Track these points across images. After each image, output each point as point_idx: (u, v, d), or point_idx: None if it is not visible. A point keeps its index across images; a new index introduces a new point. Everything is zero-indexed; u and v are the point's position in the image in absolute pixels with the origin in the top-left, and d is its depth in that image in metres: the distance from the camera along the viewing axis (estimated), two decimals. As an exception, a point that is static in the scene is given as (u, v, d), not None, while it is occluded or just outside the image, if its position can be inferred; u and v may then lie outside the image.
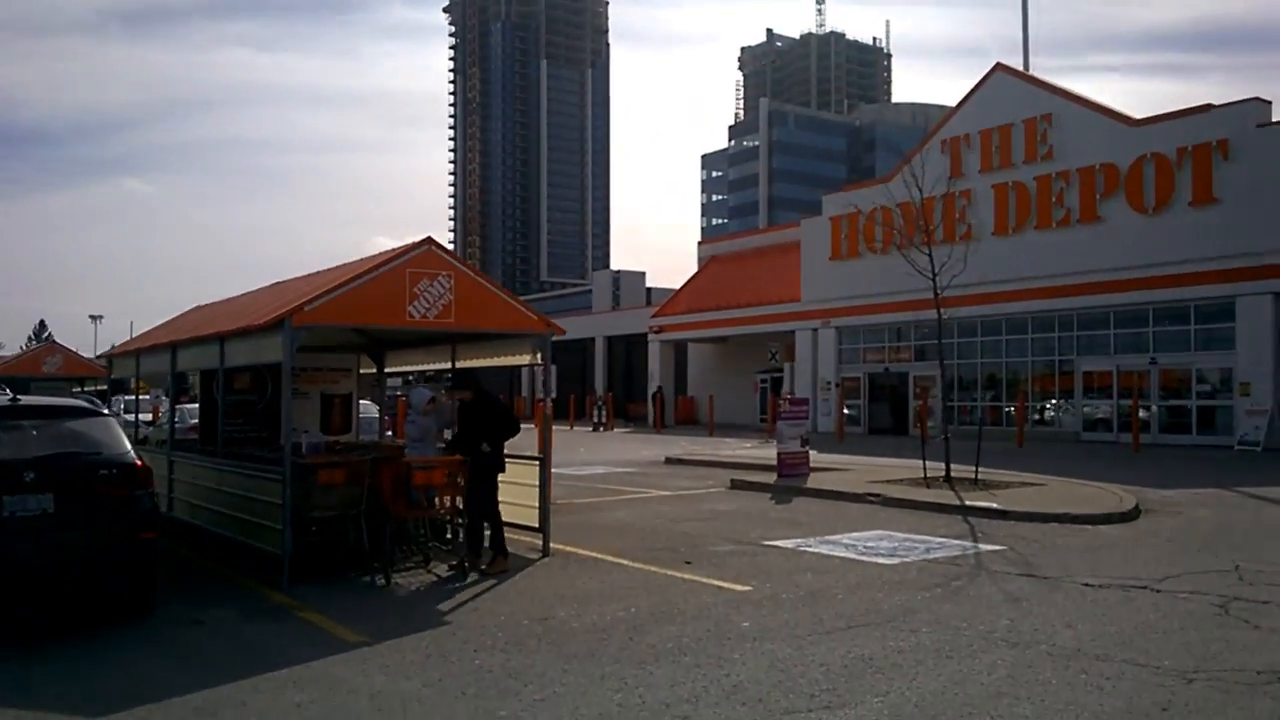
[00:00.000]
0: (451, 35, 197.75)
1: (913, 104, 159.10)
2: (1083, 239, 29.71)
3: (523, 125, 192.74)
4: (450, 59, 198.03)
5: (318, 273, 11.20)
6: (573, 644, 6.68)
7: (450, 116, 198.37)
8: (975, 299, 29.02)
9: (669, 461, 22.84)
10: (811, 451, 18.43)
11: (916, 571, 9.16)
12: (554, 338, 10.30)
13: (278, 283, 12.83)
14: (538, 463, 10.33)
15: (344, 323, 9.28)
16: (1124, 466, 20.32)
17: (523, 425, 10.31)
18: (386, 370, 13.54)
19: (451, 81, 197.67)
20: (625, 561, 9.78)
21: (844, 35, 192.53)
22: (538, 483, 10.31)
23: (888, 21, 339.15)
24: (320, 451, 9.91)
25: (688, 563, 9.69)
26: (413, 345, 12.90)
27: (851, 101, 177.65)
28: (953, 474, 15.87)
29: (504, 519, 10.72)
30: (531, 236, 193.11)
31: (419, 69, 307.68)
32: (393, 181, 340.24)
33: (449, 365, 12.01)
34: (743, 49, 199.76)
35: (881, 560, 9.75)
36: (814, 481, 16.51)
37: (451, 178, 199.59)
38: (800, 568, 9.42)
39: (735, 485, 16.93)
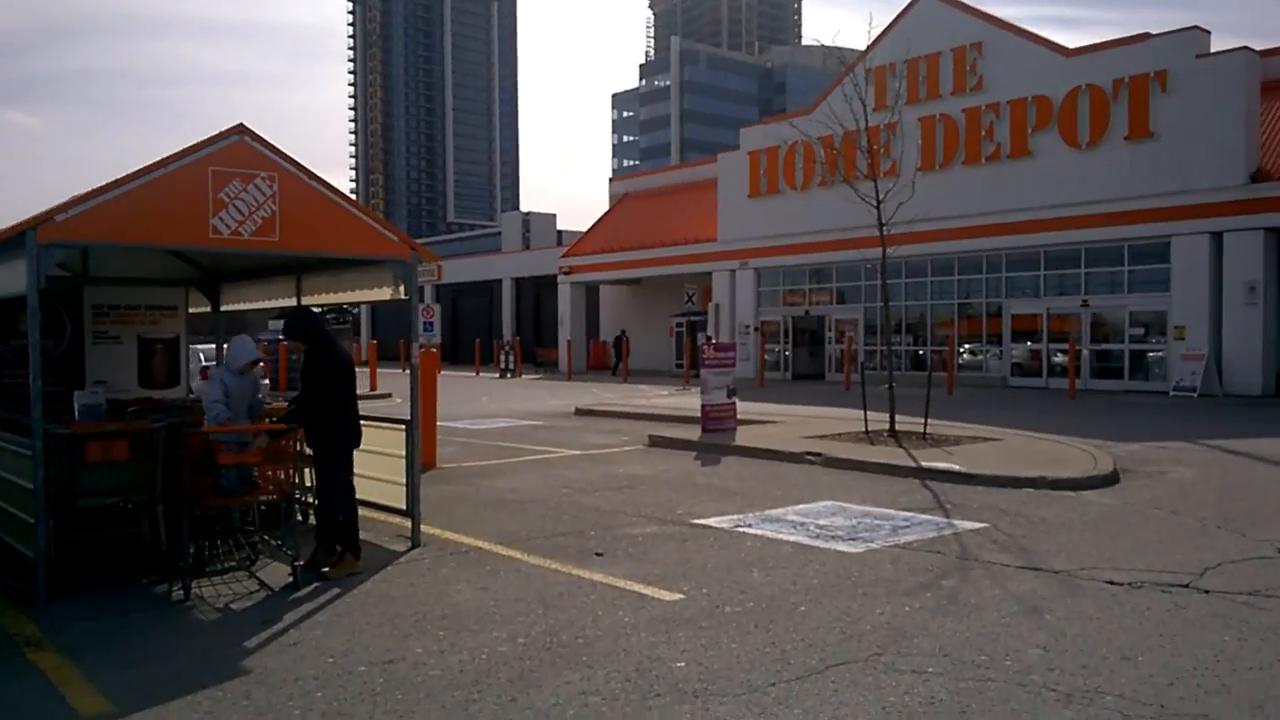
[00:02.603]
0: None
1: (824, 46, 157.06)
2: (1013, 175, 28.21)
3: (426, 60, 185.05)
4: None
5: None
6: (425, 712, 4.44)
7: (350, 50, 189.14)
8: (898, 238, 27.19)
9: (579, 413, 20.63)
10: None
11: (890, 564, 7.16)
12: (424, 266, 7.93)
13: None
14: (403, 429, 7.99)
15: (119, 240, 6.71)
16: (1066, 415, 18.89)
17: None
18: (224, 309, 10.90)
19: (350, 12, 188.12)
20: (518, 554, 7.55)
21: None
22: (405, 453, 7.97)
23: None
24: (99, 416, 7.35)
25: (599, 554, 7.52)
26: (255, 276, 10.31)
27: (762, 44, 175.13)
28: (897, 427, 14.06)
29: (364, 497, 8.41)
30: (437, 177, 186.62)
31: (316, 0, 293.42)
32: (289, 118, 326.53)
33: (294, 302, 9.51)
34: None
35: (842, 546, 7.73)
36: (743, 437, 14.50)
37: (352, 114, 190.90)
38: (743, 560, 7.33)
39: (654, 442, 14.80)
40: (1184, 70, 24.84)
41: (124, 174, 6.63)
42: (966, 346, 30.77)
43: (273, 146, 7.05)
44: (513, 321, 50.92)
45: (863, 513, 9.16)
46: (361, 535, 7.93)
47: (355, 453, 8.15)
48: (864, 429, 14.38)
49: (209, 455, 6.61)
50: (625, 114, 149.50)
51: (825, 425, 15.94)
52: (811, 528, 8.48)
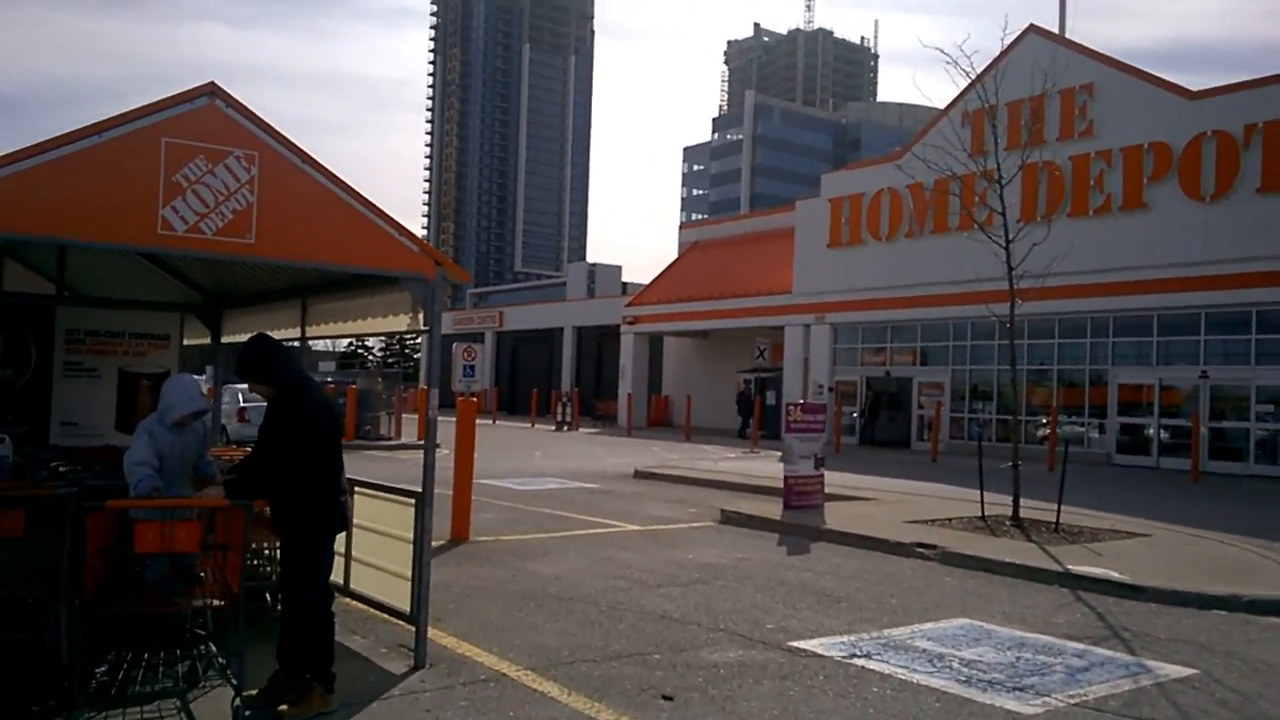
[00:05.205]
0: (433, 14, 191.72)
1: (900, 104, 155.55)
2: (1125, 230, 25.68)
3: (502, 110, 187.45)
4: (431, 39, 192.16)
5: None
6: None
7: (428, 99, 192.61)
8: (992, 296, 24.90)
9: (639, 475, 18.54)
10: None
11: (1090, 739, 4.93)
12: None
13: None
14: (412, 503, 6.01)
15: (17, 231, 4.89)
16: (1199, 503, 16.29)
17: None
18: (224, 340, 9.09)
19: (431, 63, 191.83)
20: (554, 691, 5.47)
21: (831, 33, 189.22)
22: (412, 537, 5.99)
23: (876, 22, 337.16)
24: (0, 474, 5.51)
25: (667, 698, 5.40)
26: (263, 300, 8.49)
27: (836, 101, 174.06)
28: (1021, 513, 11.75)
29: (360, 589, 6.48)
30: (507, 226, 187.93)
31: (396, 52, 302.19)
32: (364, 166, 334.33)
33: (298, 333, 7.68)
34: (729, 43, 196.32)
35: (1010, 702, 5.50)
36: (834, 518, 12.26)
37: (427, 162, 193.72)
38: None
39: (727, 518, 12.63)
40: (1327, 117, 22.30)
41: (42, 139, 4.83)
42: (1062, 418, 28.08)
43: (253, 115, 5.21)
44: (573, 372, 49.21)
45: (1015, 640, 6.90)
46: (353, 641, 5.99)
47: (354, 533, 6.25)
48: (979, 514, 12.08)
49: (128, 538, 4.69)
50: (696, 167, 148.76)
51: (928, 506, 13.64)
52: (955, 663, 6.26)
